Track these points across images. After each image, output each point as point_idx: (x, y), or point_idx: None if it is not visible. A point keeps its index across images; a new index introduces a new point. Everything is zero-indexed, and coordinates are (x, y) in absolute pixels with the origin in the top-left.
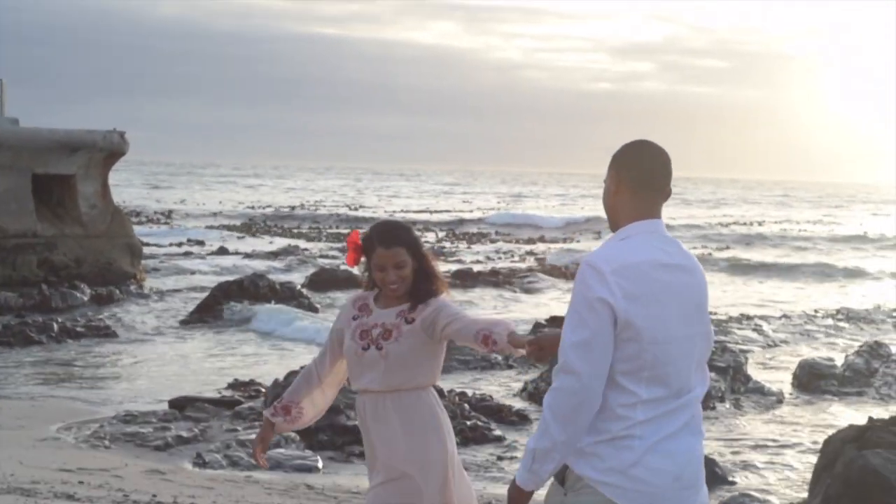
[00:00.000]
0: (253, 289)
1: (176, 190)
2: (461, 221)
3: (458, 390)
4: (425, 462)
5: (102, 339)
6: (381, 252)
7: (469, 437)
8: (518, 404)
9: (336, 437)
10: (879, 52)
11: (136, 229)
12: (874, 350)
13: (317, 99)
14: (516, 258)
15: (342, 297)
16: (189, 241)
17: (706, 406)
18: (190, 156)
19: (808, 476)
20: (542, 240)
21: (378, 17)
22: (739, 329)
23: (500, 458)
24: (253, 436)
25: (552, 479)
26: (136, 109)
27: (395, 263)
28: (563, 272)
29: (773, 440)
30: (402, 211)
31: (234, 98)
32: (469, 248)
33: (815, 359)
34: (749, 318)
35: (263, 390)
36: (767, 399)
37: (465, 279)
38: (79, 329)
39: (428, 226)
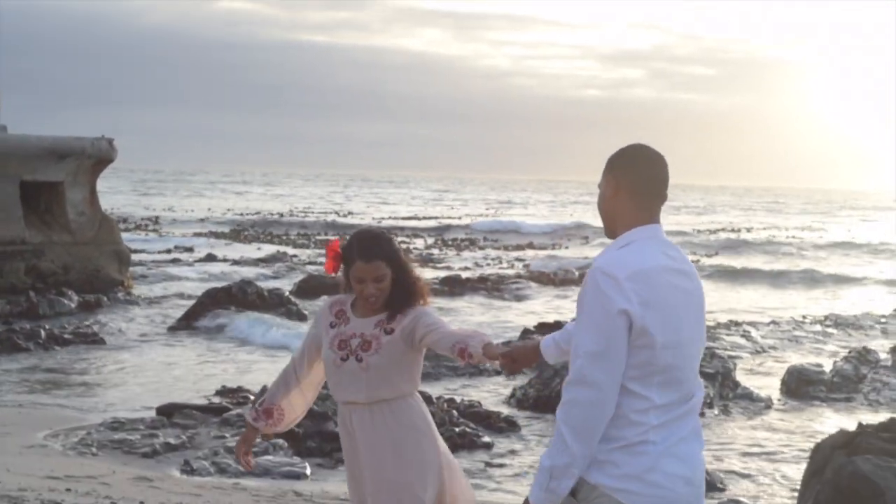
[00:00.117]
0: (241, 296)
1: (164, 197)
2: (447, 228)
3: (446, 397)
4: (422, 466)
5: (90, 346)
6: (360, 265)
7: (458, 444)
8: (506, 411)
9: (324, 443)
10: (867, 58)
11: (124, 236)
12: (862, 356)
13: (305, 106)
14: (504, 265)
15: None
16: (177, 247)
17: None
18: (178, 163)
19: (798, 482)
20: (530, 246)
21: (367, 25)
22: (728, 335)
23: (488, 465)
24: None
25: None
26: (124, 116)
27: (375, 277)
28: (551, 279)
29: (762, 446)
30: (389, 217)
31: (223, 105)
32: (458, 254)
33: (803, 365)
34: (737, 324)
35: (251, 397)
36: (756, 405)
37: (454, 286)
38: (66, 336)
39: (416, 232)
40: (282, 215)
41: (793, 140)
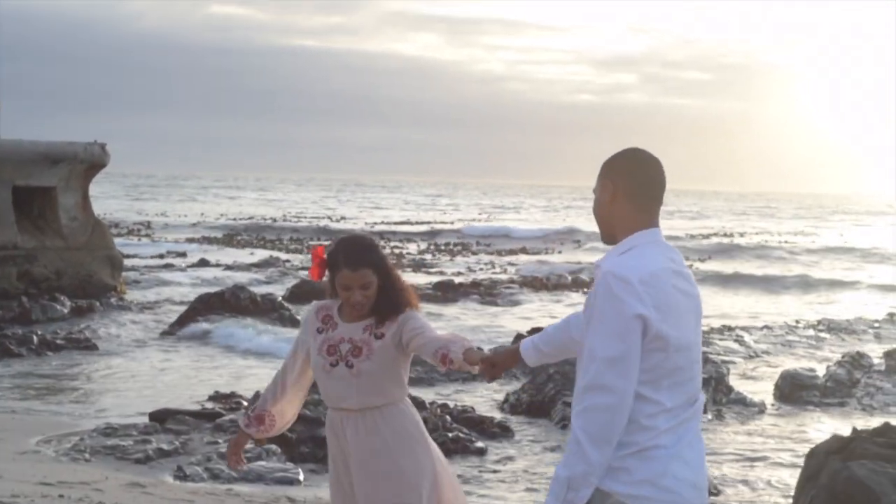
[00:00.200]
0: (234, 301)
1: (157, 202)
2: (438, 233)
3: (439, 402)
4: (416, 474)
5: (83, 352)
6: (346, 274)
7: (451, 450)
8: (500, 416)
9: (317, 449)
10: (861, 63)
11: (117, 241)
12: (856, 361)
13: (298, 111)
14: (497, 269)
15: None
16: (170, 252)
17: None
18: (171, 168)
19: (792, 487)
20: (523, 251)
21: (359, 30)
22: (721, 340)
23: (481, 471)
24: None
25: None
26: (117, 121)
27: (362, 284)
28: (543, 283)
29: (756, 451)
30: (382, 222)
31: (216, 110)
32: (452, 259)
33: (796, 369)
34: (730, 329)
35: (245, 403)
36: (750, 410)
37: (447, 291)
38: (59, 341)
39: (407, 237)
40: (275, 220)
41: (786, 145)
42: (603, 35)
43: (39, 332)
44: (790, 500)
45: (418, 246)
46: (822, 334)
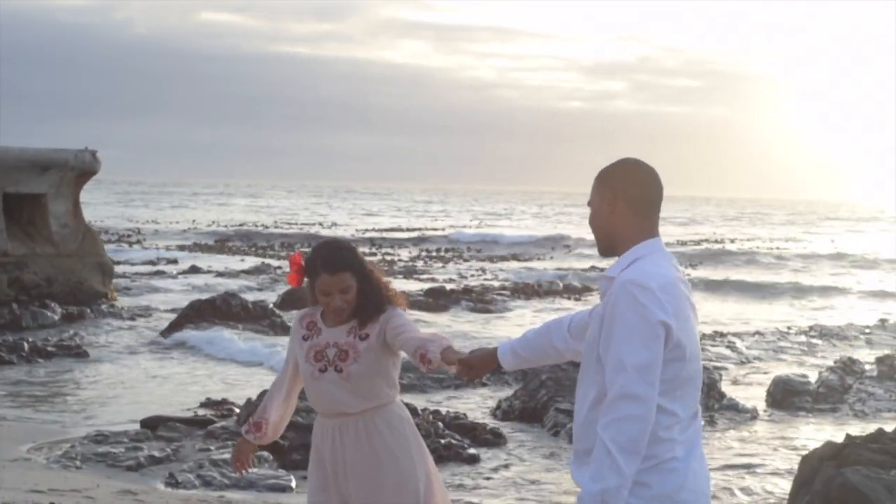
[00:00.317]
0: (225, 308)
1: (148, 209)
2: (426, 239)
3: (431, 408)
4: (414, 475)
5: (74, 359)
6: (325, 278)
7: (443, 456)
8: (492, 422)
9: (309, 456)
10: (850, 70)
11: (108, 248)
12: (847, 366)
13: (289, 118)
14: (488, 276)
15: None
16: (161, 259)
17: None
18: (162, 175)
19: (786, 493)
20: (514, 257)
21: (350, 37)
22: (713, 346)
23: (474, 477)
24: (226, 455)
25: None
26: (108, 128)
27: (341, 289)
28: (535, 290)
29: (749, 457)
30: (372, 229)
31: (206, 117)
32: (444, 266)
33: (788, 375)
34: (722, 335)
35: (237, 410)
36: (742, 416)
37: (438, 297)
38: (49, 348)
39: (395, 243)
40: (266, 227)
41: (775, 152)
42: (593, 42)
43: (30, 339)
44: None
45: (410, 252)
46: (814, 340)
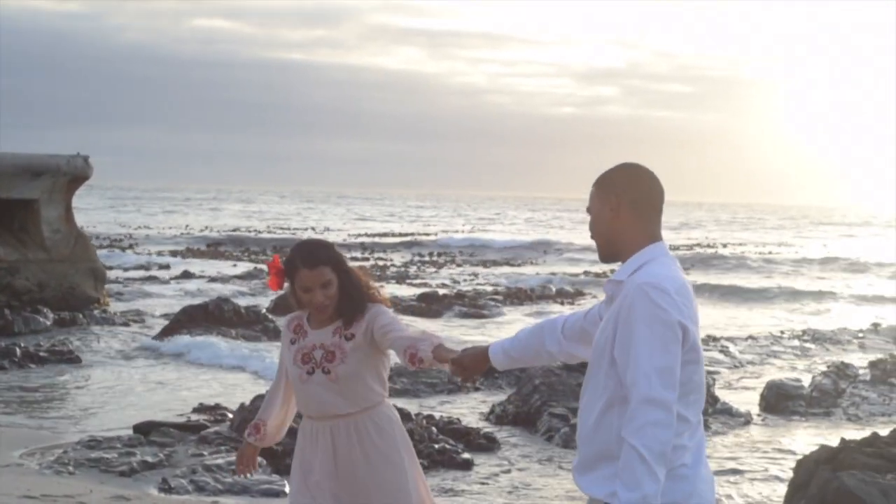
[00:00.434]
0: (218, 313)
1: (140, 214)
2: (416, 243)
3: (425, 413)
4: (404, 473)
5: (66, 364)
6: (305, 273)
7: (437, 461)
8: (486, 427)
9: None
10: (842, 76)
11: (100, 253)
12: (841, 370)
13: (282, 124)
14: (481, 280)
15: None
16: (153, 264)
17: None
18: (154, 180)
19: (781, 497)
20: (506, 262)
21: (343, 43)
22: (706, 350)
23: (468, 483)
24: (219, 460)
25: None
26: (100, 134)
27: (321, 283)
28: (527, 294)
29: (743, 461)
30: (364, 234)
31: (199, 123)
32: (437, 271)
33: (782, 380)
34: (715, 339)
35: (230, 415)
36: (735, 420)
37: (431, 302)
38: (42, 354)
39: (388, 247)
40: (258, 232)
41: (768, 157)
42: (584, 48)
43: (22, 345)
44: None
45: (402, 256)
46: (807, 344)
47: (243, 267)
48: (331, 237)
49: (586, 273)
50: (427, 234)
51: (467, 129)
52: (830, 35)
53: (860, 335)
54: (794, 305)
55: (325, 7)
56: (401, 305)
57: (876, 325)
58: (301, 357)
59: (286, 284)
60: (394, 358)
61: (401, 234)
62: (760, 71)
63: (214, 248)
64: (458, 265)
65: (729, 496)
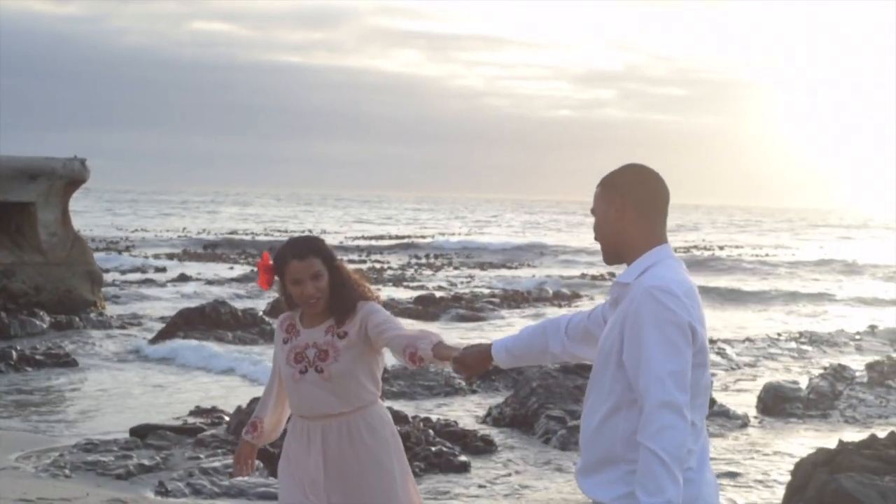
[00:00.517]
0: (214, 316)
1: (137, 217)
2: (412, 246)
3: (422, 416)
4: (393, 473)
5: (62, 367)
6: (295, 265)
7: (434, 464)
8: (483, 430)
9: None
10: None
11: (97, 256)
12: (838, 373)
13: (280, 127)
14: (478, 283)
15: None
16: (149, 267)
17: None
18: (151, 183)
19: (778, 499)
20: (503, 265)
21: (341, 46)
22: None
23: (465, 486)
24: (216, 463)
25: None
26: (96, 137)
27: (312, 275)
28: (524, 297)
29: (740, 463)
30: (361, 237)
31: (197, 126)
32: (434, 274)
33: (779, 382)
34: (712, 341)
35: (226, 418)
36: (733, 422)
37: (428, 305)
38: (38, 357)
39: (383, 250)
40: (255, 235)
41: (765, 160)
42: (582, 51)
43: (18, 348)
44: None
45: (399, 259)
46: (804, 347)
47: (240, 270)
48: (327, 239)
49: (583, 275)
50: (423, 237)
51: (465, 132)
52: (827, 39)
53: (857, 337)
54: (790, 308)
55: (323, 10)
56: (397, 308)
57: (873, 327)
58: (294, 356)
59: (277, 281)
60: (391, 360)
61: (397, 237)
62: (757, 74)
63: (211, 250)
64: (456, 268)
65: (727, 499)
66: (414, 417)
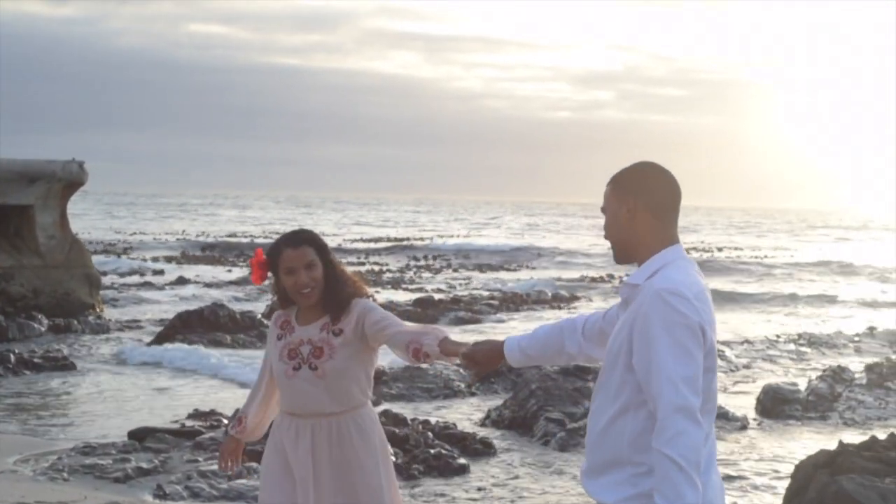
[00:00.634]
0: (213, 318)
1: (135, 220)
2: (409, 248)
3: (420, 418)
4: (380, 475)
5: (60, 371)
6: (289, 253)
7: (433, 466)
8: (482, 432)
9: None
10: (839, 80)
11: (95, 259)
12: (837, 374)
13: (278, 129)
14: (476, 285)
15: None
16: (148, 270)
17: None
18: (150, 186)
19: (778, 501)
20: (502, 267)
21: (339, 48)
22: None
23: (464, 489)
24: (214, 466)
25: None
26: (95, 139)
27: (306, 264)
28: (524, 299)
29: (740, 465)
30: (359, 239)
31: (195, 128)
32: (433, 276)
33: (778, 384)
34: None
35: (225, 420)
36: (732, 424)
37: (427, 307)
38: (36, 360)
39: (379, 252)
40: (254, 237)
41: (764, 161)
42: (581, 52)
43: (16, 351)
44: None
45: (398, 261)
46: (803, 348)
47: (238, 272)
48: (326, 241)
49: (582, 277)
50: (422, 239)
51: (464, 134)
52: (827, 39)
53: (856, 339)
54: (790, 309)
55: (322, 12)
56: (396, 311)
57: (872, 328)
58: (287, 352)
59: (270, 278)
60: (389, 362)
61: (396, 239)
62: (757, 75)
63: (210, 253)
64: (454, 270)
65: (727, 502)
66: (413, 420)
